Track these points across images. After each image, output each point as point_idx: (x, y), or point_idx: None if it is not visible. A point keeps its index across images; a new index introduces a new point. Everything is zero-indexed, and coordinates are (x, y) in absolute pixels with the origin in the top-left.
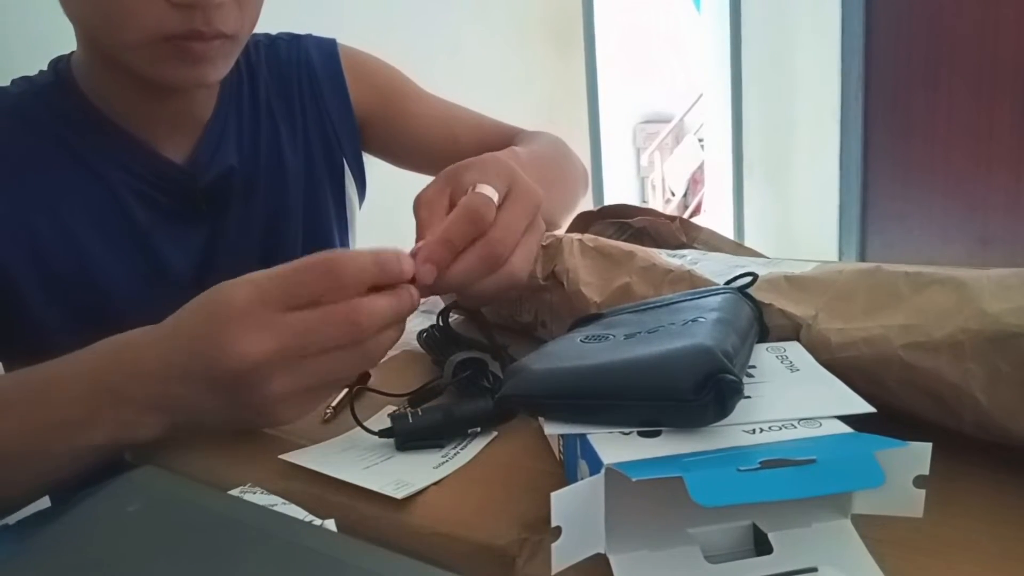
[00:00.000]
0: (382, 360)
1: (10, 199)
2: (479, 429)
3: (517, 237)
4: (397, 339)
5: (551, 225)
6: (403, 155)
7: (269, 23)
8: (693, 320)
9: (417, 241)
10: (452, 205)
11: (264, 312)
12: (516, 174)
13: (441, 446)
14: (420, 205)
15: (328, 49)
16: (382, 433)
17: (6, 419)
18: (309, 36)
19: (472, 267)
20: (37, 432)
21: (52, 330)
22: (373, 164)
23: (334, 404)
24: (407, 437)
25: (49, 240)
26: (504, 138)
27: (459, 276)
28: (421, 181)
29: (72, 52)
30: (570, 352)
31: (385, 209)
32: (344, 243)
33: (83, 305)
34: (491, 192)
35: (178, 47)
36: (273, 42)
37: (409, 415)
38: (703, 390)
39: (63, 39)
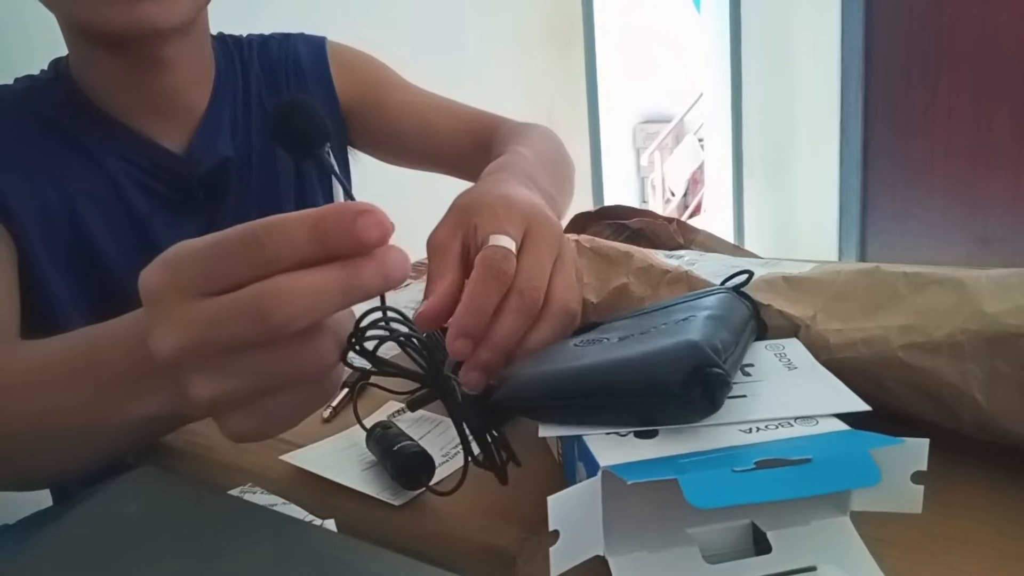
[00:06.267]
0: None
1: (24, 171)
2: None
3: (546, 275)
4: (339, 345)
5: None
6: (381, 145)
7: (272, 22)
8: (685, 319)
9: (428, 287)
10: (464, 248)
11: (175, 300)
12: (531, 213)
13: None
14: (431, 250)
15: (317, 44)
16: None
17: (56, 390)
18: (299, 34)
19: (510, 325)
20: (90, 401)
21: (57, 293)
22: (374, 170)
23: (334, 404)
24: (403, 478)
25: (58, 212)
26: (484, 128)
27: (501, 338)
28: (417, 178)
29: (68, 55)
30: (562, 355)
31: (389, 210)
32: None
33: (85, 276)
34: (507, 242)
35: None
36: (265, 41)
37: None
38: (690, 384)
39: (58, 43)
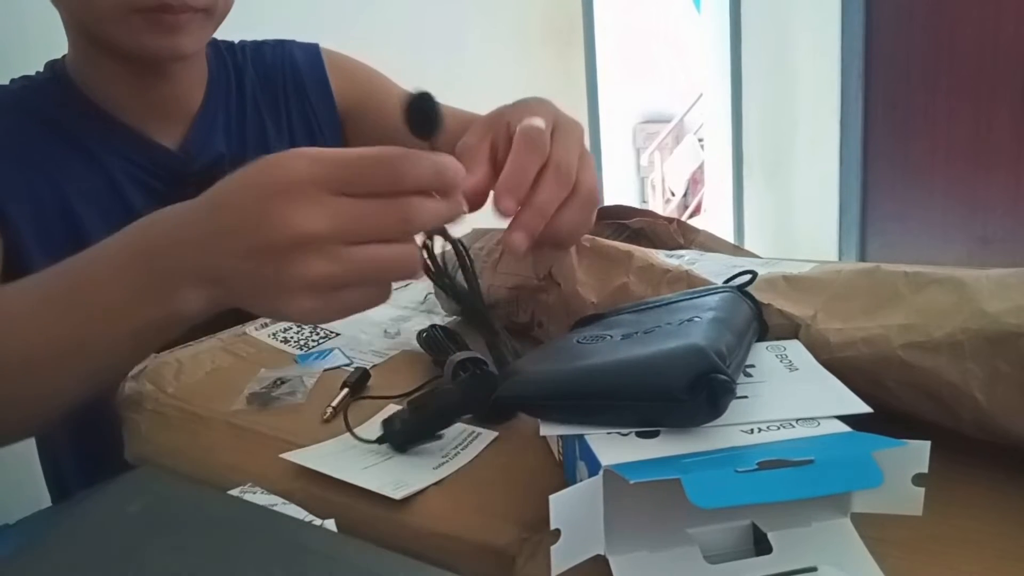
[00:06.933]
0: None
1: (20, 171)
2: (470, 415)
3: (576, 158)
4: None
5: None
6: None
7: (272, 21)
8: (689, 320)
9: (472, 177)
10: (493, 150)
11: (319, 191)
12: (557, 113)
13: (439, 437)
14: (463, 150)
15: (312, 51)
16: (379, 440)
17: (45, 311)
18: (292, 41)
19: (550, 191)
20: (79, 320)
21: None
22: None
23: (334, 404)
24: (403, 440)
25: (54, 210)
26: None
27: (542, 202)
28: None
29: (65, 55)
30: (566, 353)
31: None
32: None
33: None
34: (541, 123)
35: (149, 19)
36: (259, 46)
37: (398, 420)
38: (695, 390)
39: (56, 43)
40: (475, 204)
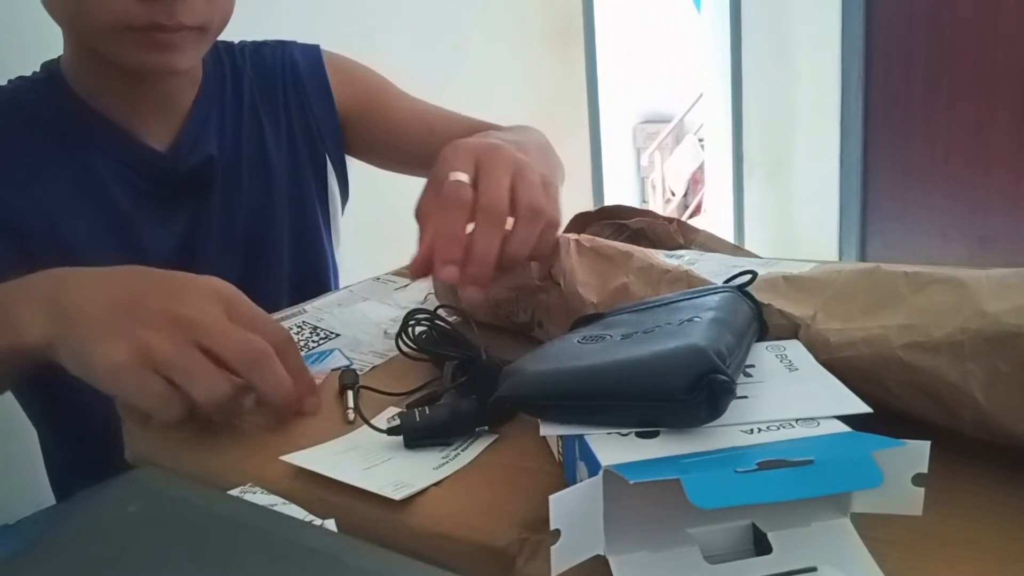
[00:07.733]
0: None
1: (5, 177)
2: (487, 428)
3: (504, 189)
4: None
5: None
6: (383, 150)
7: (275, 24)
8: (689, 320)
9: (419, 247)
10: None
11: (219, 303)
12: (479, 149)
13: (448, 444)
14: (418, 215)
15: (312, 53)
16: (391, 431)
17: None
18: (294, 42)
19: (484, 237)
20: None
21: None
22: (371, 171)
23: (351, 405)
24: (416, 435)
25: (29, 221)
26: (479, 132)
27: (479, 251)
28: (414, 184)
29: (60, 56)
30: (566, 353)
31: (385, 210)
32: (328, 233)
33: None
34: (459, 175)
35: (144, 36)
36: (259, 47)
37: (416, 414)
38: (695, 390)
39: (54, 45)
40: (427, 270)
